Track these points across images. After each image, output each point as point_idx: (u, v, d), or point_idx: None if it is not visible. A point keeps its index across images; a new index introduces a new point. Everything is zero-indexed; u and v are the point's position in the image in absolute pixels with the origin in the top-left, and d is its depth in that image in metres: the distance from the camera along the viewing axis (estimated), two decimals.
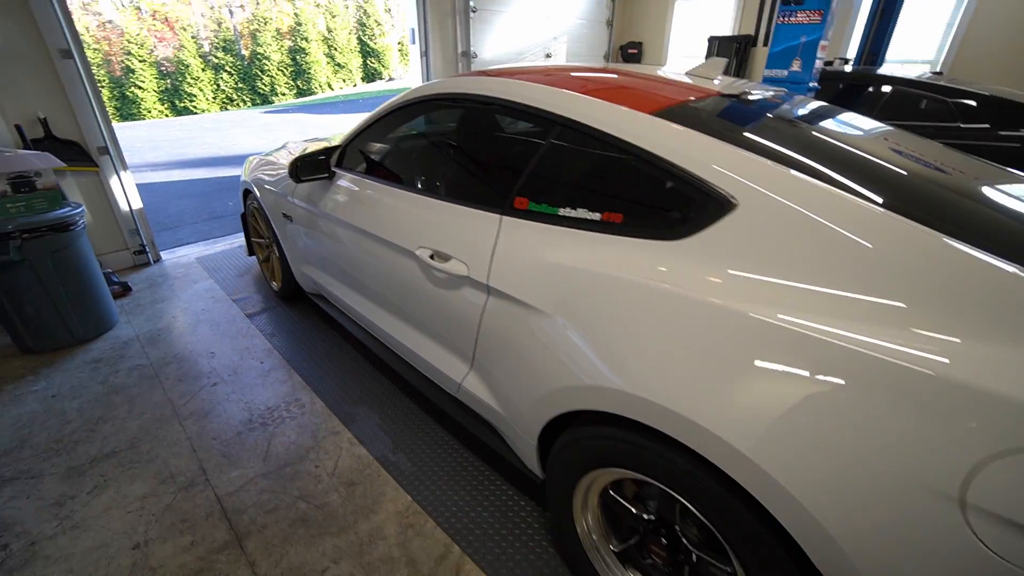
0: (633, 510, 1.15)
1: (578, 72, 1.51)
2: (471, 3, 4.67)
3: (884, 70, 4.09)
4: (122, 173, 3.30)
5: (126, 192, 3.33)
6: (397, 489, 1.66)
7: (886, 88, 3.53)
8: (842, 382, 0.73)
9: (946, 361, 0.68)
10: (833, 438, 0.73)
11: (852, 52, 5.35)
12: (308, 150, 2.05)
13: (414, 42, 4.67)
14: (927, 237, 0.78)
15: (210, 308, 2.82)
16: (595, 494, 1.21)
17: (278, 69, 20.48)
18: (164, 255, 3.57)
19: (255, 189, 2.65)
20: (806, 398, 0.76)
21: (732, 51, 5.22)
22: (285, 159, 2.51)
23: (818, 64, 3.37)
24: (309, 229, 2.18)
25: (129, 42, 17.71)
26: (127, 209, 3.35)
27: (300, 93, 20.90)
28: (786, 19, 3.31)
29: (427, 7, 4.52)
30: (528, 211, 1.26)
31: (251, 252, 3.07)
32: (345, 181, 1.91)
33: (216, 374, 2.24)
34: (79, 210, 2.42)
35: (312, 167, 1.93)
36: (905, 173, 1.07)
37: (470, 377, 1.50)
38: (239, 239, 3.91)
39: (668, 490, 1.00)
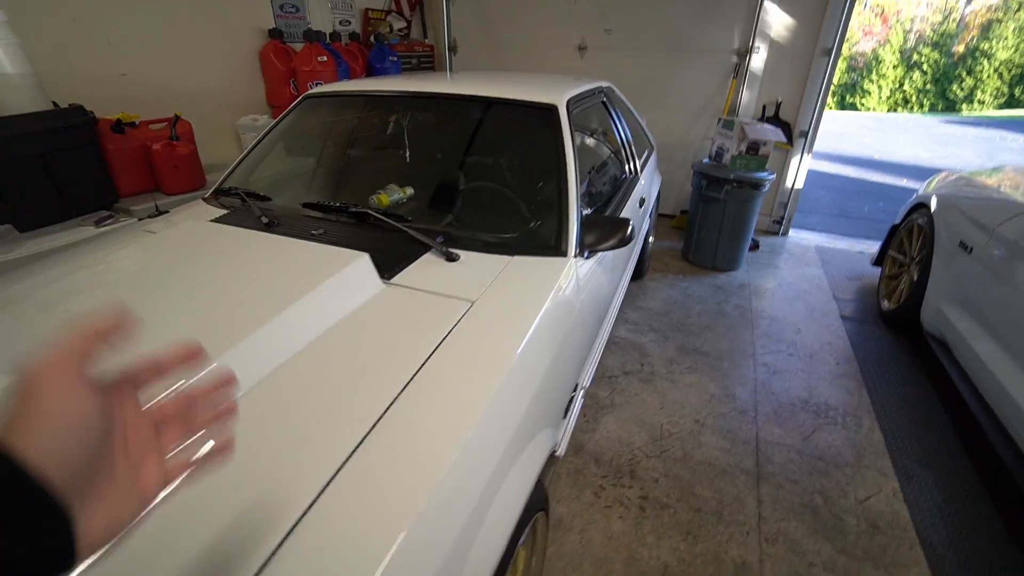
0: None
1: None
2: None
3: None
4: (804, 156, 3.78)
5: (797, 172, 3.84)
6: None
7: None
8: None
9: None
10: None
11: None
12: None
13: None
14: None
15: (811, 292, 3.03)
16: None
17: (994, 71, 16.49)
18: (792, 232, 4.01)
19: (933, 205, 2.45)
20: None
21: None
22: (998, 184, 2.15)
23: None
24: (997, 273, 1.86)
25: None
26: (789, 185, 3.89)
27: (1010, 103, 16.36)
28: None
29: None
30: None
31: (878, 263, 2.97)
32: None
33: (794, 347, 2.47)
34: (771, 177, 3.02)
35: None
36: None
37: None
38: (863, 244, 3.83)
39: None
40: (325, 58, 3.18)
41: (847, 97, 19.42)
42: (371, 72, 3.73)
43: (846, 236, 4.07)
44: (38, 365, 0.28)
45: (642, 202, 2.26)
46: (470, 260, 1.26)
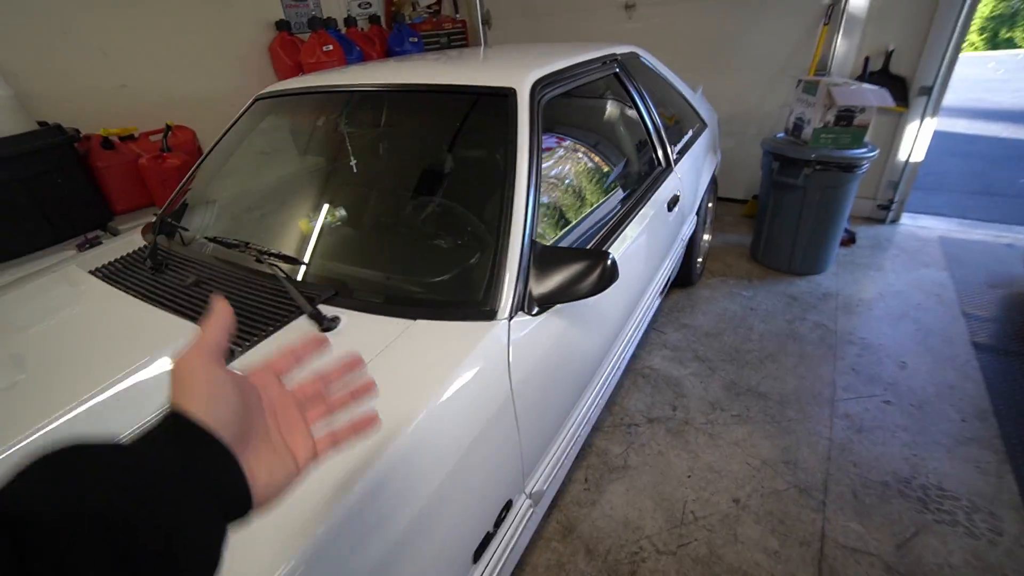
0: None
1: None
2: None
3: None
4: (927, 120, 2.89)
5: (915, 141, 2.95)
6: None
7: None
8: None
9: None
10: None
11: None
12: None
13: None
14: None
15: (927, 306, 2.27)
16: None
17: None
18: (904, 218, 3.13)
19: None
20: None
21: None
22: None
23: None
24: None
25: None
26: (903, 159, 3.01)
27: None
28: None
29: None
30: None
31: None
32: None
33: (895, 391, 1.82)
34: (872, 154, 2.28)
35: None
36: None
37: None
38: (1014, 233, 2.88)
39: None
40: (331, 47, 2.93)
41: (1001, 32, 15.83)
42: (391, 55, 3.43)
43: (988, 222, 3.09)
44: (180, 355, 0.35)
45: (674, 202, 1.74)
46: (352, 328, 0.90)
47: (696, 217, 2.17)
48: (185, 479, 0.30)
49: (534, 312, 0.97)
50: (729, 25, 3.13)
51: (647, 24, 3.36)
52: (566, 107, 1.43)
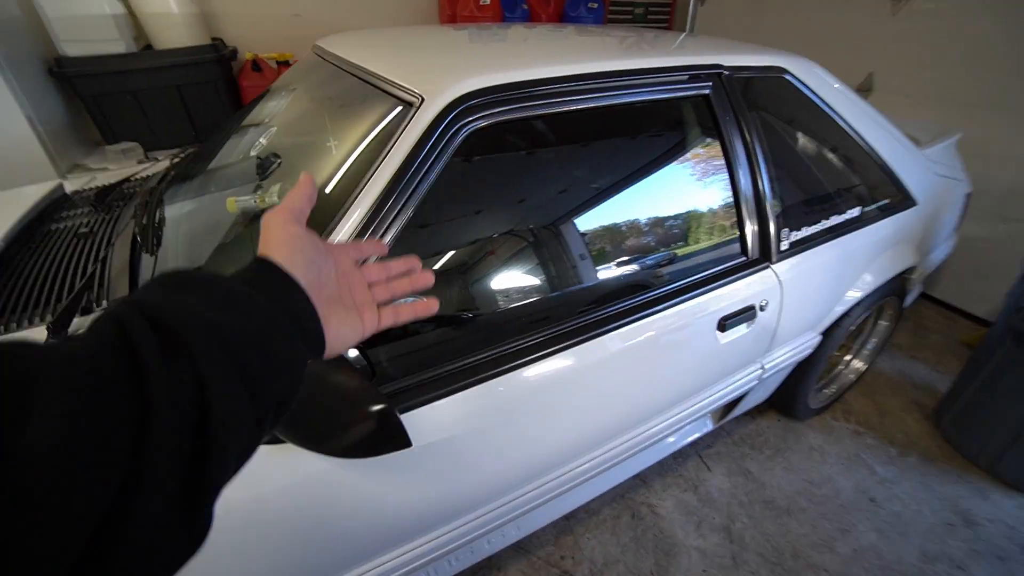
0: None
1: None
2: None
3: None
4: None
5: None
6: None
7: None
8: None
9: None
10: None
11: None
12: None
13: None
14: None
15: None
16: None
17: None
18: None
19: None
20: None
21: None
22: None
23: None
24: None
25: None
26: None
27: None
28: None
29: None
30: None
31: None
32: None
33: None
34: None
35: None
36: None
37: None
38: None
39: None
40: (488, 1, 2.68)
41: None
42: (564, 21, 3.04)
43: None
44: (267, 214, 0.40)
45: (742, 314, 1.10)
46: None
47: (820, 336, 1.40)
48: (274, 306, 0.33)
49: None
50: None
51: (919, 24, 2.24)
52: (546, 142, 0.94)
